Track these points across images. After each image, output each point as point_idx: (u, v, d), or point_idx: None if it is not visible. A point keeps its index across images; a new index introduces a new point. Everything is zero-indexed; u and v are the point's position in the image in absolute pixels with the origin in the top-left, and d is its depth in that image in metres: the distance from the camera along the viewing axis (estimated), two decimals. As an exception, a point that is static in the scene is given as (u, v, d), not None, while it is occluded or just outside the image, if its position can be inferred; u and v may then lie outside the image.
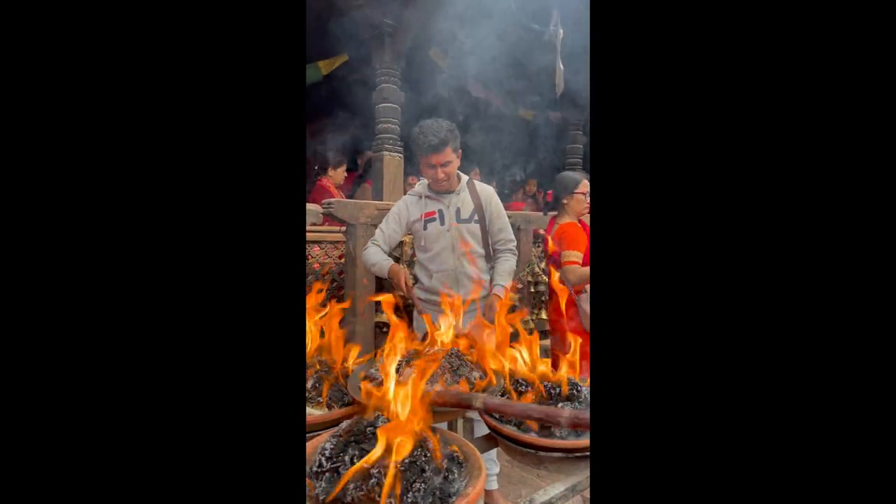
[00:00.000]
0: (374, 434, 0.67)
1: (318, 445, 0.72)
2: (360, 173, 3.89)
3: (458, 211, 1.81)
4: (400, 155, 2.88)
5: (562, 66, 2.90)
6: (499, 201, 1.91)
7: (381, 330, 2.60)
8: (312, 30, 3.48)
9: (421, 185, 1.89)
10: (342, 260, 2.69)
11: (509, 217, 2.93)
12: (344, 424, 0.72)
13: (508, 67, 3.15)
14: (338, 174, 3.08)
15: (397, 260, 2.53)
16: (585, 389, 0.87)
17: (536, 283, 3.16)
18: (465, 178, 1.88)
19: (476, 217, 1.83)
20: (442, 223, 1.81)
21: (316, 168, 3.15)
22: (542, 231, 3.40)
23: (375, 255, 1.82)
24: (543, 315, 3.31)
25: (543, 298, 3.26)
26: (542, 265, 3.30)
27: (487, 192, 1.89)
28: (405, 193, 2.99)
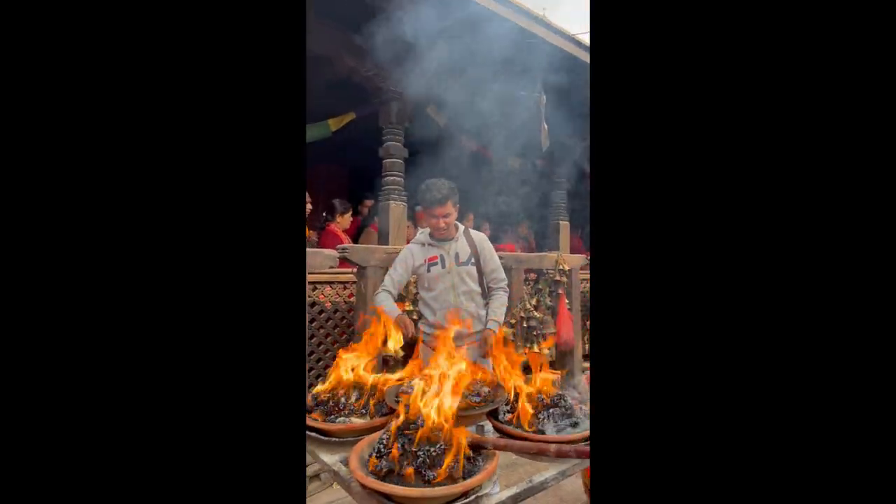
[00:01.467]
0: (417, 429, 0.94)
1: (374, 439, 0.97)
2: (364, 219, 4.21)
3: (456, 255, 2.11)
4: (404, 203, 3.21)
5: (546, 127, 3.31)
6: (491, 246, 2.22)
7: (387, 363, 2.82)
8: (323, 92, 3.88)
9: (423, 234, 2.19)
10: (351, 298, 2.95)
11: (502, 258, 3.24)
12: (393, 423, 0.98)
13: (498, 125, 3.56)
14: (344, 220, 3.39)
15: (403, 298, 2.80)
16: (569, 401, 1.15)
17: (528, 319, 3.44)
18: (461, 227, 2.20)
19: (472, 260, 2.13)
20: (443, 266, 2.10)
21: (325, 214, 3.46)
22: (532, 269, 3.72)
23: (385, 303, 2.06)
24: (535, 348, 3.57)
25: (535, 333, 3.52)
26: (533, 301, 3.59)
27: (480, 238, 2.21)
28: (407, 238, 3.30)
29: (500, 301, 2.13)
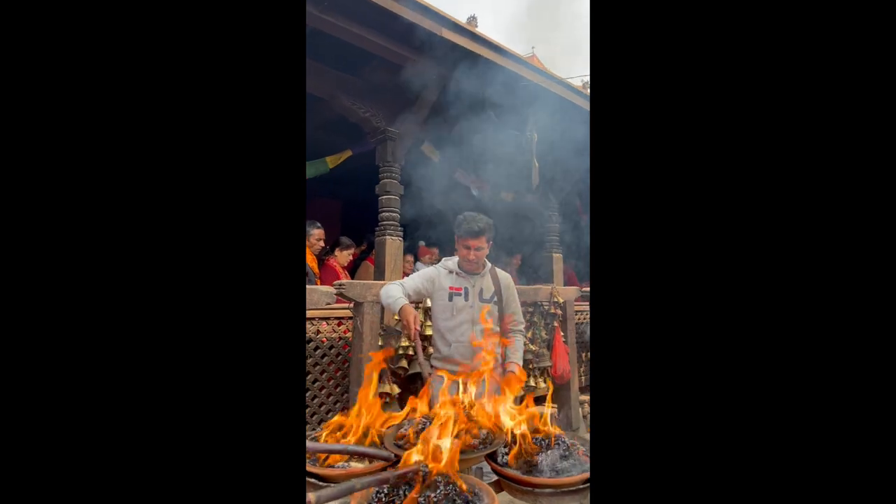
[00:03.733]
0: (419, 478, 0.94)
1: (371, 488, 0.97)
2: (360, 253, 4.25)
3: (481, 291, 2.10)
4: (400, 239, 3.27)
5: (537, 164, 3.42)
6: (514, 287, 2.21)
7: (385, 400, 2.79)
8: (322, 130, 3.99)
9: (451, 262, 2.15)
10: (347, 334, 2.95)
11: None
12: (394, 472, 0.99)
13: (492, 162, 3.67)
14: (343, 256, 3.43)
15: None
16: (566, 441, 1.16)
17: (524, 353, 3.44)
18: (488, 264, 2.18)
19: (495, 299, 2.11)
20: (466, 299, 2.07)
21: (326, 247, 3.51)
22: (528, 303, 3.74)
23: (396, 291, 1.98)
24: (532, 382, 3.55)
25: (531, 366, 3.52)
26: (528, 335, 3.61)
27: (506, 278, 2.20)
28: (403, 271, 3.34)
29: (518, 344, 2.13)
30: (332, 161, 3.86)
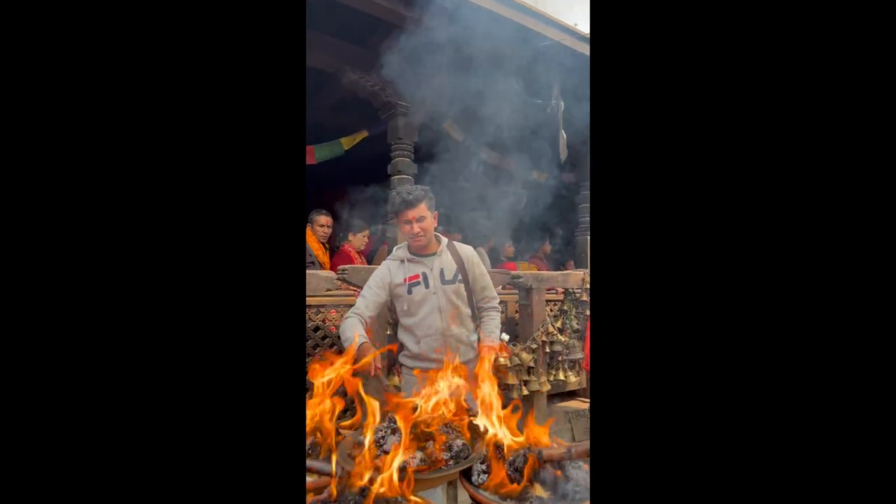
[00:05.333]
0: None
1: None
2: (379, 237, 4.09)
3: (441, 273, 1.82)
4: (414, 221, 3.05)
5: (564, 135, 3.08)
6: (479, 260, 1.92)
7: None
8: (335, 109, 3.83)
9: (401, 250, 1.90)
10: (358, 322, 2.80)
11: (520, 278, 2.97)
12: (336, 490, 0.77)
13: (518, 137, 3.36)
14: (357, 239, 3.27)
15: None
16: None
17: (552, 343, 3.14)
18: (444, 240, 1.90)
19: (459, 277, 1.84)
20: (427, 286, 1.80)
21: (340, 234, 3.37)
22: (555, 290, 3.43)
23: (349, 330, 1.68)
24: (561, 376, 3.26)
25: (560, 358, 3.22)
26: (557, 324, 3.30)
27: (467, 251, 1.91)
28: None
29: (494, 322, 1.86)
30: (346, 142, 3.70)
